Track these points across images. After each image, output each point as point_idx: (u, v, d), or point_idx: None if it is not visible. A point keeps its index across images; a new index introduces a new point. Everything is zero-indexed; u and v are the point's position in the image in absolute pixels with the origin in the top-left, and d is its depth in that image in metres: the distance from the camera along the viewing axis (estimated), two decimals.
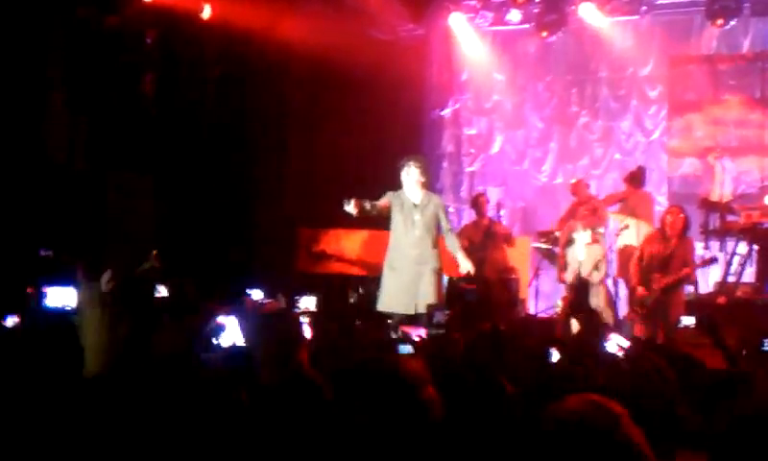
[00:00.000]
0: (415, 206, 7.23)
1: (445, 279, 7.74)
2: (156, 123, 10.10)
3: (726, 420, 2.32)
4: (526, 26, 11.78)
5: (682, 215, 7.78)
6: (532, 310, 9.70)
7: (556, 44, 11.77)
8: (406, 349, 4.48)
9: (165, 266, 7.22)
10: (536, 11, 11.49)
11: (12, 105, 8.63)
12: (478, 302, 8.07)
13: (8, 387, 2.60)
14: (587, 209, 8.74)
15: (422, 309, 6.96)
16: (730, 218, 9.65)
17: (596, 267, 8.18)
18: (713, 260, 8.26)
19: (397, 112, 11.82)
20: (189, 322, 4.78)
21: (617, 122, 11.75)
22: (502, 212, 10.47)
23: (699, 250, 8.99)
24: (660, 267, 7.69)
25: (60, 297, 5.68)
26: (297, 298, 7.90)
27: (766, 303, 8.65)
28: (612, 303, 8.71)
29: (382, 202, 7.25)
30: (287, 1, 10.80)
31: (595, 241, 8.46)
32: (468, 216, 10.98)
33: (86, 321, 3.88)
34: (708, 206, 9.89)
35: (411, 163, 7.26)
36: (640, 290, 7.75)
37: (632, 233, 9.08)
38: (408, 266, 7.18)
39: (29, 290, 6.35)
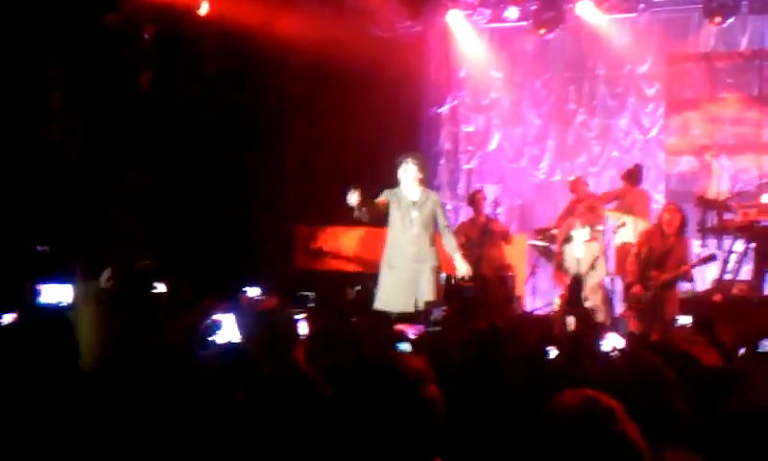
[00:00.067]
0: (413, 203, 7.21)
1: (443, 275, 7.73)
2: (153, 120, 10.09)
3: (721, 417, 2.33)
4: (524, 23, 11.79)
5: (679, 213, 7.80)
6: (529, 307, 9.71)
7: (553, 42, 11.77)
8: (404, 346, 4.47)
9: (160, 264, 7.21)
10: (533, 8, 11.50)
11: (12, 103, 8.62)
12: (475, 299, 8.07)
13: (4, 383, 2.59)
14: (585, 207, 8.75)
15: (421, 307, 6.95)
16: (727, 216, 9.67)
17: (593, 265, 8.17)
18: (712, 258, 8.27)
19: (395, 109, 11.82)
20: (185, 319, 4.77)
21: (615, 120, 11.76)
22: (499, 210, 10.48)
23: (696, 248, 9.01)
24: (657, 264, 7.70)
25: (56, 293, 5.67)
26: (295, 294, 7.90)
27: (762, 301, 8.67)
28: (608, 301, 8.72)
29: (380, 199, 7.23)
30: None
31: (593, 238, 8.46)
32: (466, 213, 10.99)
33: (82, 317, 3.88)
34: (705, 203, 9.90)
35: (409, 160, 7.23)
36: (637, 287, 7.77)
37: (629, 231, 9.10)
38: (406, 264, 7.16)
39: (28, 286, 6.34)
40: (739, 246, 9.41)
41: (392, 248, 7.27)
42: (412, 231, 7.18)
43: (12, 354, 2.66)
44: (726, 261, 9.40)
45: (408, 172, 7.20)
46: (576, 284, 7.99)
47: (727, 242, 9.58)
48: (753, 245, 9.26)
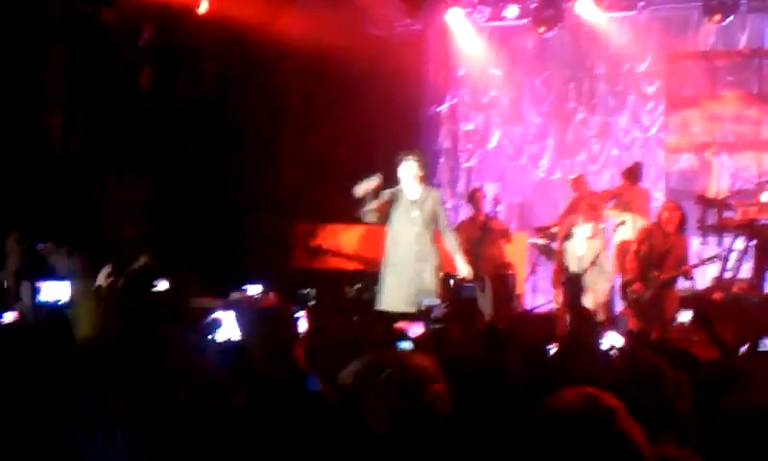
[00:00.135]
0: (413, 201, 7.17)
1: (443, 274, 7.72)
2: (153, 119, 10.09)
3: (721, 417, 2.33)
4: (523, 21, 11.78)
5: (678, 211, 7.80)
6: (529, 306, 9.71)
7: (553, 40, 11.76)
8: (405, 345, 4.46)
9: (159, 262, 7.21)
10: (533, 6, 11.49)
11: (12, 103, 8.62)
12: (475, 297, 8.06)
13: (3, 382, 2.59)
14: (587, 204, 8.73)
15: (424, 306, 6.92)
16: (726, 214, 9.66)
17: (595, 262, 8.15)
18: (714, 259, 8.28)
19: (394, 108, 11.81)
20: (185, 317, 4.77)
21: (614, 118, 11.76)
22: (499, 208, 10.46)
23: (696, 246, 9.01)
24: (657, 263, 7.70)
25: (54, 291, 5.66)
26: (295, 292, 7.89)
27: (762, 300, 8.67)
28: (608, 299, 8.70)
29: (383, 199, 7.17)
30: None
31: (596, 235, 8.43)
32: (465, 212, 10.98)
33: (80, 314, 3.88)
34: (705, 201, 9.90)
35: (409, 158, 7.18)
36: (637, 285, 7.76)
37: (628, 229, 9.10)
38: (408, 263, 7.11)
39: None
40: (739, 244, 9.41)
41: (393, 247, 7.23)
42: (413, 230, 7.13)
43: (12, 352, 2.66)
44: (726, 259, 9.40)
45: (408, 170, 7.16)
46: (573, 284, 7.97)
47: (727, 240, 9.58)
48: (753, 243, 9.25)
